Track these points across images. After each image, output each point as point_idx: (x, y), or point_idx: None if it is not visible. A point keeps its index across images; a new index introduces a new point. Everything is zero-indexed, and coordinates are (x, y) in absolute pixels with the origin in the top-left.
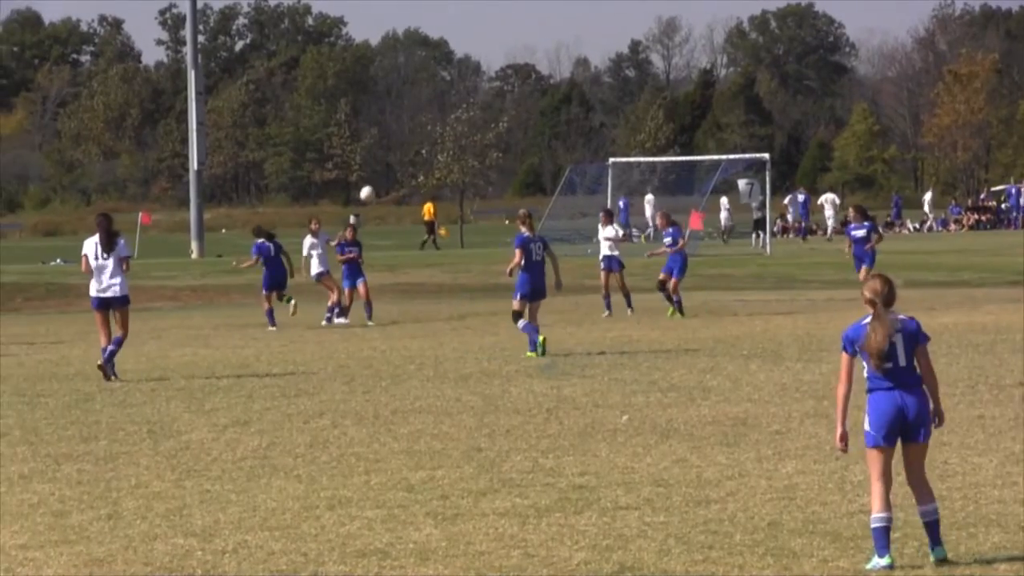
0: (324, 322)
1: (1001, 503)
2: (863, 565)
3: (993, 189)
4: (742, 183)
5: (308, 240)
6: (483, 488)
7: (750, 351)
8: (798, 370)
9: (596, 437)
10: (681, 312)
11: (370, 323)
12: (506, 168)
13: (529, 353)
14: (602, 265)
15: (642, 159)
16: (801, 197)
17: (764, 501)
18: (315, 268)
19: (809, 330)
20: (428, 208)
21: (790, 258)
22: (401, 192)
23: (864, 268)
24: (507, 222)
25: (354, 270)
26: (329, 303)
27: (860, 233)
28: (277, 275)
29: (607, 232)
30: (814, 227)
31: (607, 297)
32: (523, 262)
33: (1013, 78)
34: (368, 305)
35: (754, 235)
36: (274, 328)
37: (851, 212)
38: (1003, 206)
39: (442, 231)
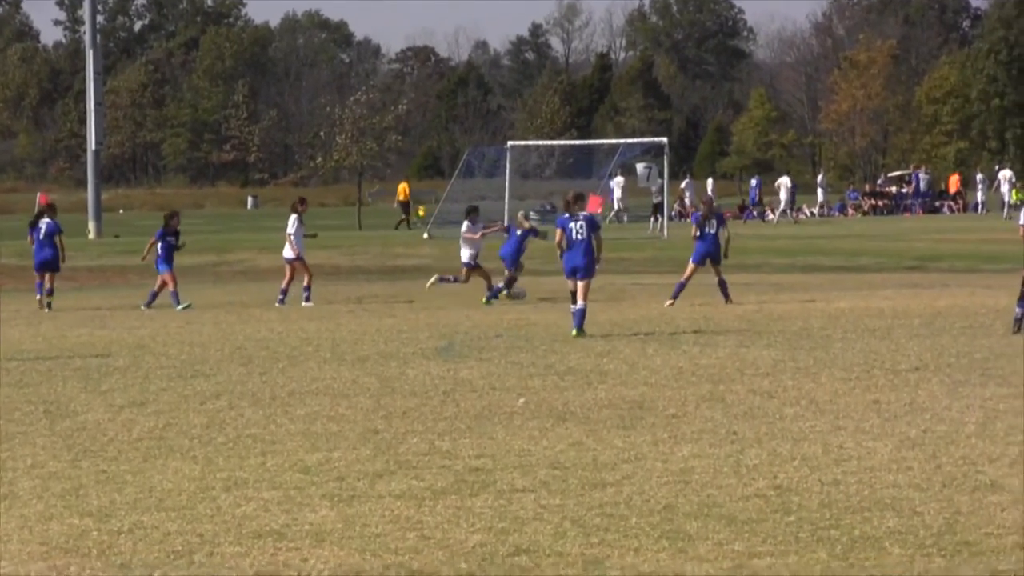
0: (278, 303)
1: (896, 487)
2: (758, 547)
3: (890, 175)
4: (640, 167)
5: (293, 219)
6: (379, 470)
7: (646, 334)
8: (695, 354)
9: (493, 420)
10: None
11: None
12: (404, 151)
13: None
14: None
15: (540, 142)
16: (753, 181)
17: (660, 484)
18: (290, 251)
19: (706, 314)
20: (403, 188)
21: (687, 242)
22: (299, 174)
23: None
24: (396, 206)
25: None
26: (307, 282)
27: None
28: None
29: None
30: (765, 210)
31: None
32: (565, 242)
33: (911, 64)
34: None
35: (652, 219)
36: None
37: None
38: (905, 190)
39: (420, 211)
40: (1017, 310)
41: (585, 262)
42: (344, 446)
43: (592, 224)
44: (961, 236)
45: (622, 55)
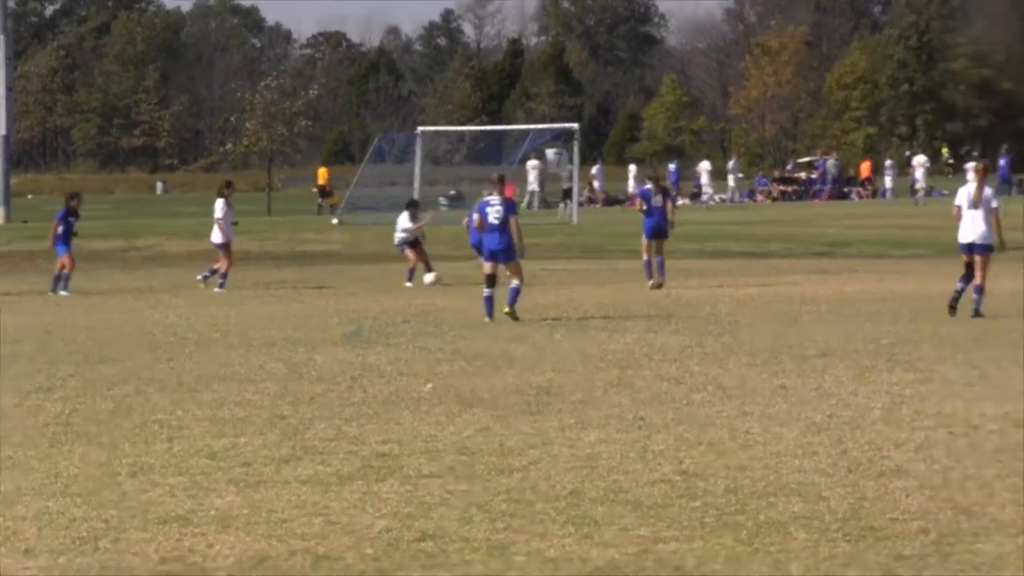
0: (218, 288)
1: (802, 472)
2: (664, 532)
3: (799, 161)
4: (551, 153)
5: (220, 204)
6: (286, 455)
7: (555, 320)
8: (602, 339)
9: (400, 405)
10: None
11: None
12: (315, 136)
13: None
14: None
15: (451, 128)
16: (672, 167)
17: (566, 470)
18: (218, 236)
19: (614, 299)
20: (323, 173)
21: (597, 228)
22: (210, 159)
23: None
24: (314, 190)
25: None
26: (219, 267)
27: None
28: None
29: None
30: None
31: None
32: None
33: (822, 51)
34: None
35: (562, 204)
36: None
37: None
38: (814, 176)
39: (335, 198)
40: (958, 285)
41: (503, 245)
42: (251, 432)
43: (509, 208)
44: (870, 222)
45: (534, 40)
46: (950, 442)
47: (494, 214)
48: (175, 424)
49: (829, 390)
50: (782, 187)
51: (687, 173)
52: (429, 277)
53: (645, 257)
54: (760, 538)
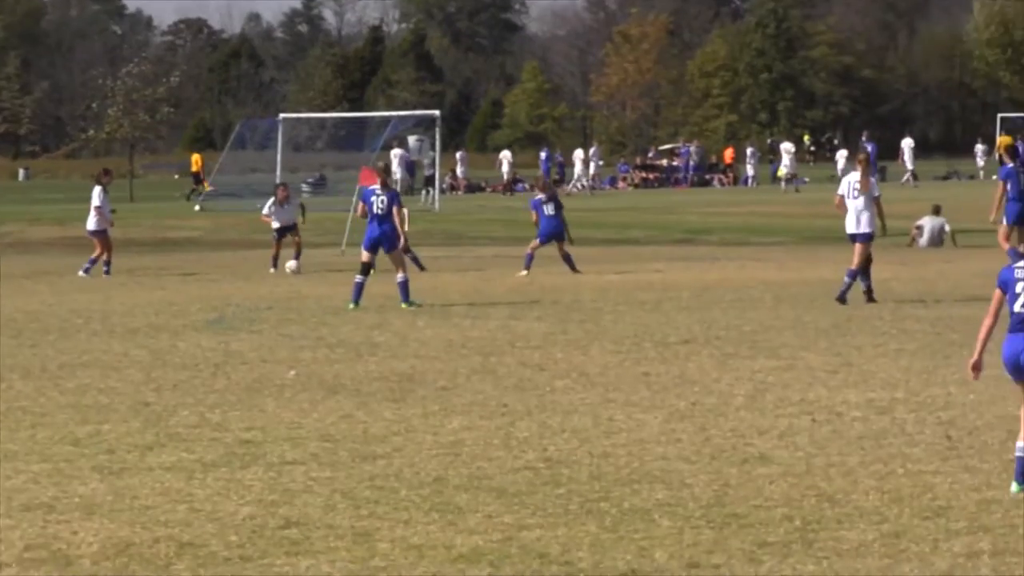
0: (81, 272)
1: (665, 459)
2: (528, 519)
3: (661, 148)
4: (412, 139)
5: (98, 191)
6: (149, 442)
7: (417, 307)
8: (465, 326)
9: (263, 392)
10: None
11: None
12: (176, 123)
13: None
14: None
15: (313, 115)
16: (543, 154)
17: (430, 457)
18: (93, 223)
19: (476, 286)
20: (196, 159)
21: (459, 214)
22: (72, 146)
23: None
24: (176, 177)
25: None
26: (96, 256)
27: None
28: None
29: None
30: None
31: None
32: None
33: (683, 39)
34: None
35: (424, 191)
36: None
37: (1003, 156)
38: (675, 163)
39: (205, 184)
40: (846, 279)
41: (385, 234)
42: (114, 419)
43: (392, 198)
44: (731, 209)
45: (395, 28)
46: (813, 429)
47: (378, 203)
48: (38, 411)
49: (692, 377)
50: (644, 174)
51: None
52: (291, 264)
53: (529, 251)
54: (624, 525)
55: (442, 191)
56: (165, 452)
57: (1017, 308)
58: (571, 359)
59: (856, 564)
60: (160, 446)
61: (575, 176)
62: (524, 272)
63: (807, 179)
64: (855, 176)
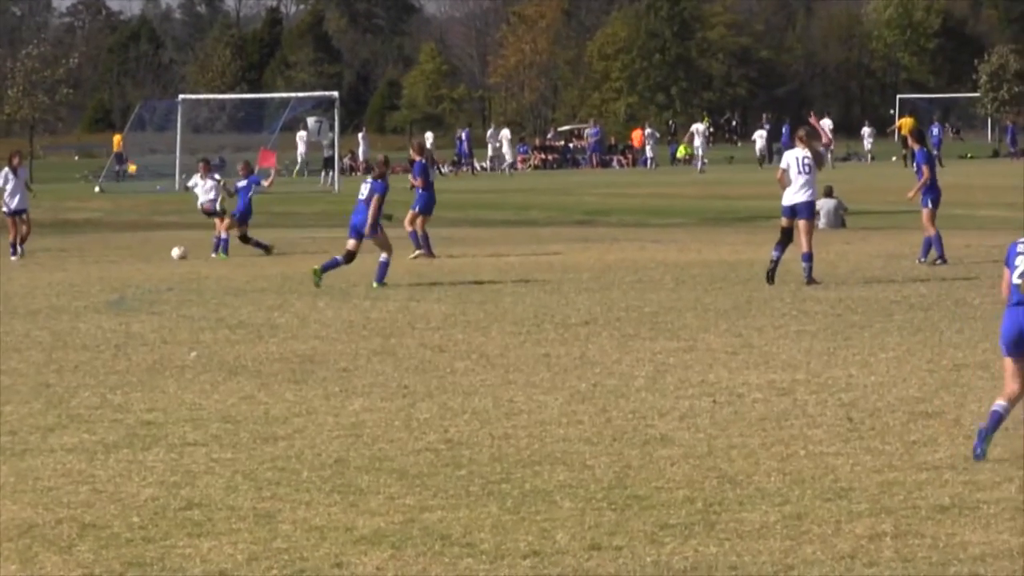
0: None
1: (566, 441)
2: (429, 501)
3: (560, 129)
4: (311, 121)
5: (6, 174)
6: (51, 424)
7: (318, 288)
8: (366, 307)
9: (164, 373)
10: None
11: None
12: (76, 104)
13: None
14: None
15: (212, 96)
16: (463, 134)
17: (331, 438)
18: (12, 203)
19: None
20: (117, 140)
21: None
22: None
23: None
24: (76, 158)
25: None
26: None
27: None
28: None
29: (207, 184)
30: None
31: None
32: None
33: (580, 20)
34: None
35: (323, 173)
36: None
37: (910, 140)
38: (572, 144)
39: (131, 167)
40: (773, 253)
41: (362, 221)
42: (16, 400)
43: (376, 186)
44: (630, 191)
45: (292, 9)
46: (714, 411)
47: (363, 190)
48: None
49: (593, 358)
50: (543, 155)
51: (447, 141)
52: (176, 251)
53: (410, 229)
54: (526, 506)
55: (342, 172)
56: (67, 433)
57: (1016, 279)
58: (471, 340)
59: (758, 546)
60: (62, 427)
61: (507, 158)
62: (417, 253)
63: (707, 160)
64: (800, 152)
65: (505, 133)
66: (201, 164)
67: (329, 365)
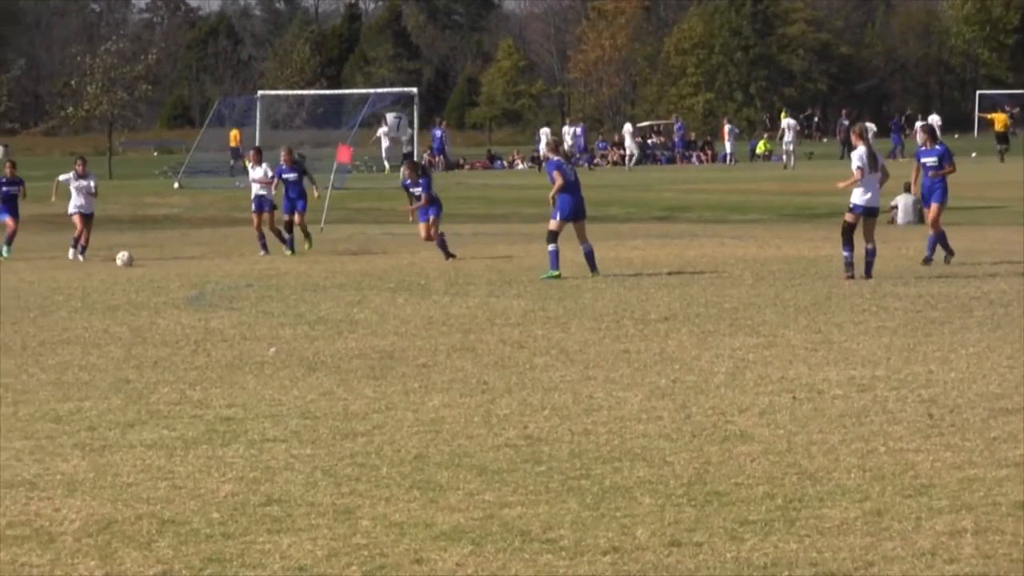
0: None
1: (646, 437)
2: (509, 497)
3: (639, 125)
4: (390, 117)
5: (71, 176)
6: (130, 420)
7: (397, 284)
8: (445, 303)
9: (244, 369)
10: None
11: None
12: (155, 100)
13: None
14: (253, 207)
15: (291, 92)
16: (578, 130)
17: (411, 434)
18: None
19: (456, 264)
20: (235, 135)
21: (437, 192)
22: (50, 123)
23: (935, 206)
24: (155, 154)
25: (12, 206)
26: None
27: (931, 160)
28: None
29: (256, 173)
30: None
31: (261, 237)
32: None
33: (659, 15)
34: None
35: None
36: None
37: (920, 134)
38: (652, 140)
39: (245, 160)
40: (845, 254)
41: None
42: (95, 395)
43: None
44: (709, 187)
45: (371, 5)
46: (794, 407)
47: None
48: (20, 388)
49: (672, 354)
50: (621, 151)
51: (526, 137)
52: (122, 256)
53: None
54: (605, 503)
55: None
56: (146, 429)
57: None
58: (551, 336)
59: (838, 542)
60: (141, 423)
61: (628, 151)
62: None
63: (783, 157)
64: (863, 150)
65: (627, 127)
66: (252, 152)
67: (408, 361)
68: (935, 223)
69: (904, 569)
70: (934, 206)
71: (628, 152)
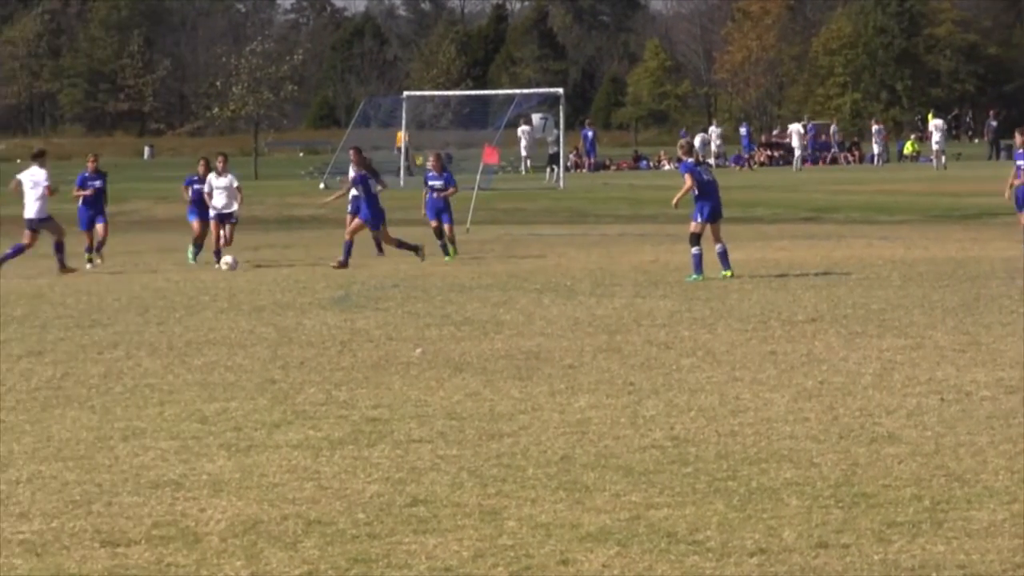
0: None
1: (793, 439)
2: (655, 498)
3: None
4: (536, 117)
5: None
6: (276, 420)
7: (543, 285)
8: (591, 304)
9: (389, 370)
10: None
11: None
12: (300, 101)
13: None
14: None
15: (436, 93)
16: (743, 130)
17: (557, 435)
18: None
19: (602, 265)
20: (400, 136)
21: (584, 192)
22: (196, 124)
23: None
24: (301, 154)
25: (95, 206)
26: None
27: None
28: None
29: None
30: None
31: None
32: (696, 187)
33: (806, 15)
34: (101, 244)
35: (548, 169)
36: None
37: (1017, 136)
38: (835, 140)
39: (418, 159)
40: None
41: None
42: (241, 396)
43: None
44: (856, 187)
45: (517, 5)
46: (942, 408)
47: None
48: (166, 388)
49: (819, 356)
50: (769, 152)
51: (672, 138)
52: (227, 260)
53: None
54: (752, 504)
55: (567, 169)
56: (292, 430)
57: None
58: (697, 337)
59: (986, 544)
60: (287, 424)
61: (797, 151)
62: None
63: (930, 158)
64: None
65: (795, 127)
66: (352, 152)
67: (554, 362)
68: None
69: None
70: None
71: (796, 152)
